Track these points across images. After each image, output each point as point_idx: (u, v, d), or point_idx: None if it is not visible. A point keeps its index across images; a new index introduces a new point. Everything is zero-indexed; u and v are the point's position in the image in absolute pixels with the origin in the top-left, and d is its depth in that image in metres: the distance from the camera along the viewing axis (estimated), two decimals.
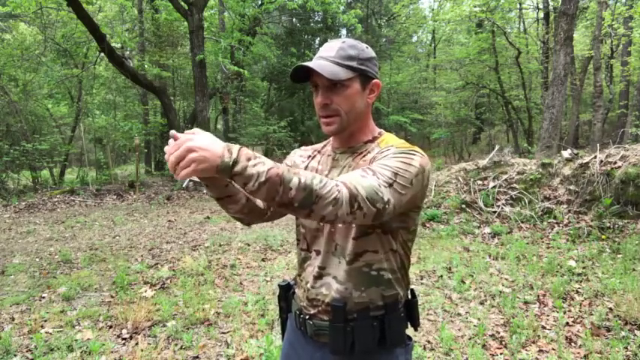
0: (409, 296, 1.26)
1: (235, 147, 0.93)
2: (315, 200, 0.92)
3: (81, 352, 2.83)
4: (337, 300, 1.15)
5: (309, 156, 1.35)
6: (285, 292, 1.36)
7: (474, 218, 6.05)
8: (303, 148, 1.43)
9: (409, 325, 1.25)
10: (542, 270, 4.24)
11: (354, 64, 1.13)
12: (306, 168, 1.31)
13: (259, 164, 0.91)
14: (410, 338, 1.24)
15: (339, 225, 1.15)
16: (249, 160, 0.91)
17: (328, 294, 1.17)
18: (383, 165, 1.03)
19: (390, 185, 1.00)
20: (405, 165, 1.04)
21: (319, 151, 1.35)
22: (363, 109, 1.18)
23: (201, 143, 0.90)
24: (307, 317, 1.22)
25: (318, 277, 1.20)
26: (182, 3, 11.46)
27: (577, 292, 3.75)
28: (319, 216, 0.95)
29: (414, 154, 1.08)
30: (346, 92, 1.13)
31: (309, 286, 1.22)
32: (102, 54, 11.04)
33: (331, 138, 1.32)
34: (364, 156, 1.20)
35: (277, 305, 1.40)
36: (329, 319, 1.16)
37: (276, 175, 0.91)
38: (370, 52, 1.18)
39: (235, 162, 0.90)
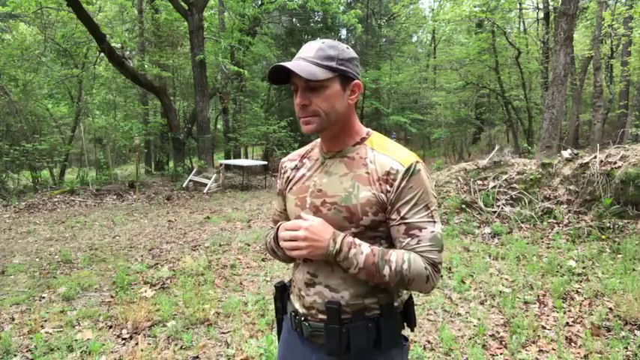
0: (405, 298, 1.25)
1: (340, 236, 1.11)
2: (408, 282, 1.10)
3: (81, 352, 2.83)
4: (331, 302, 1.15)
5: (297, 167, 1.32)
6: (281, 293, 1.36)
7: (474, 218, 6.05)
8: (288, 157, 1.39)
9: (405, 326, 1.25)
10: (542, 270, 4.24)
11: (333, 64, 1.11)
12: (295, 181, 1.29)
13: (358, 253, 1.09)
14: (406, 339, 1.24)
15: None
16: (350, 249, 1.10)
17: (322, 301, 1.18)
18: (427, 223, 1.14)
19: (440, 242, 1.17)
20: (432, 204, 1.15)
21: (306, 157, 1.32)
22: (343, 110, 1.16)
23: (313, 233, 1.10)
24: (303, 319, 1.22)
25: (310, 284, 1.20)
26: (182, 3, 11.47)
27: (577, 292, 3.75)
28: (415, 291, 1.15)
29: (424, 181, 1.15)
30: (325, 93, 1.12)
31: (302, 293, 1.22)
32: (102, 54, 11.05)
33: (319, 141, 1.30)
34: (355, 160, 1.18)
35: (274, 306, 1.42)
36: (324, 321, 1.17)
37: (372, 264, 1.09)
38: (351, 53, 1.16)
39: (338, 251, 1.10)
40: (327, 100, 1.12)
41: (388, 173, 1.13)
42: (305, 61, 1.11)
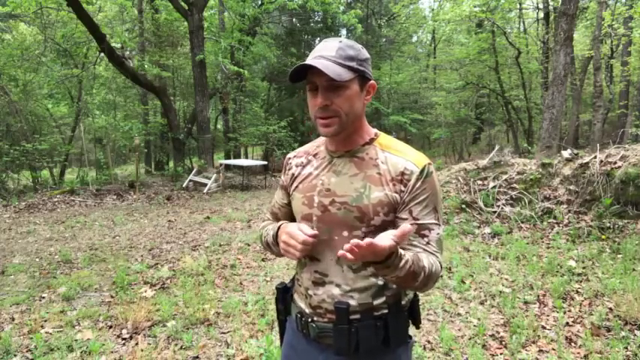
0: (412, 296, 1.26)
1: (399, 251, 1.03)
2: (427, 282, 1.10)
3: (81, 352, 2.83)
4: (340, 302, 1.15)
5: (302, 164, 1.30)
6: (283, 295, 1.35)
7: (474, 218, 6.05)
8: (294, 153, 1.37)
9: (411, 324, 1.26)
10: (542, 270, 4.24)
11: (354, 64, 1.11)
12: (301, 179, 1.28)
13: (405, 262, 1.04)
14: (411, 336, 1.24)
15: (346, 234, 1.16)
16: (400, 260, 1.03)
17: (331, 301, 1.17)
18: (434, 225, 1.16)
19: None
20: (440, 206, 1.18)
21: (312, 154, 1.30)
22: (360, 110, 1.16)
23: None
24: (310, 320, 1.21)
25: (320, 283, 1.20)
26: (182, 3, 11.47)
27: (577, 292, 3.75)
28: (421, 290, 1.16)
29: (436, 184, 1.16)
30: (346, 93, 1.11)
31: (310, 292, 1.22)
32: (102, 54, 11.05)
33: (324, 138, 1.28)
34: (365, 161, 1.18)
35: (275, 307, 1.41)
36: (333, 321, 1.16)
37: (412, 272, 1.06)
38: (366, 53, 1.16)
39: (395, 265, 1.02)
40: (347, 100, 1.12)
41: (402, 174, 1.14)
42: (327, 60, 1.09)
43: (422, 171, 1.13)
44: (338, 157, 1.22)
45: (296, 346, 1.29)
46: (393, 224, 1.16)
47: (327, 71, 1.05)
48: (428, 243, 1.13)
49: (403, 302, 1.20)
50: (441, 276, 4.12)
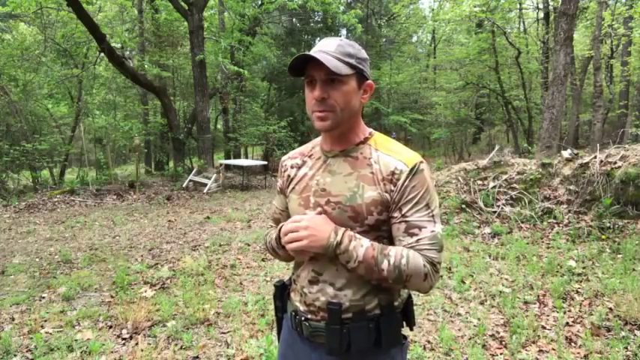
0: (405, 297, 1.26)
1: (341, 229, 1.12)
2: (405, 278, 1.09)
3: (81, 352, 2.83)
4: (333, 303, 1.15)
5: (298, 165, 1.31)
6: (281, 292, 1.36)
7: (474, 218, 6.05)
8: (289, 155, 1.38)
9: (405, 325, 1.25)
10: (542, 270, 4.24)
11: (352, 61, 1.12)
12: (297, 180, 1.28)
13: (358, 246, 1.10)
14: (405, 337, 1.24)
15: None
16: (350, 241, 1.10)
17: (325, 299, 1.17)
18: (426, 222, 1.13)
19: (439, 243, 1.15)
20: (433, 204, 1.15)
21: (308, 155, 1.31)
22: (356, 108, 1.17)
23: (315, 224, 1.11)
24: (303, 319, 1.22)
25: (314, 282, 1.20)
26: (182, 3, 11.47)
27: (577, 292, 3.75)
28: (413, 289, 1.15)
29: (426, 181, 1.15)
30: (343, 88, 1.12)
31: (305, 290, 1.22)
32: (102, 54, 11.05)
33: (319, 139, 1.30)
34: (359, 160, 1.19)
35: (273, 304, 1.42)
36: (325, 320, 1.17)
37: (371, 257, 1.08)
38: (365, 54, 1.18)
39: (339, 243, 1.10)
40: (344, 95, 1.13)
41: (393, 173, 1.14)
42: (327, 54, 1.11)
43: (412, 169, 1.13)
44: (333, 156, 1.22)
45: (291, 343, 1.30)
46: (387, 223, 1.16)
47: (327, 64, 1.07)
48: (418, 241, 1.11)
49: (396, 303, 1.20)
50: (441, 276, 4.14)
